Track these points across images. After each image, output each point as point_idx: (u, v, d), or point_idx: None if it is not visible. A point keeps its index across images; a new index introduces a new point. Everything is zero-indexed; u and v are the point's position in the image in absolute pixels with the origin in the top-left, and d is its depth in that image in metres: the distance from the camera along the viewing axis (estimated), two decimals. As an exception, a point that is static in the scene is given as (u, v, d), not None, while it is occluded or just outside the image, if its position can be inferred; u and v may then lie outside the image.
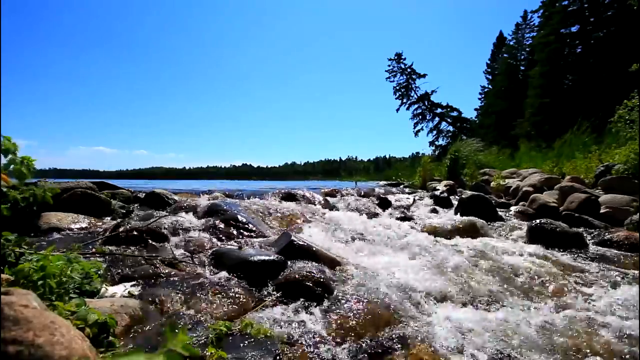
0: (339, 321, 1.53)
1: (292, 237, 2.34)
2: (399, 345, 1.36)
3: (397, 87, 29.57)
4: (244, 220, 3.09)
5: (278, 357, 1.20)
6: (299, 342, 1.33)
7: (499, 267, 2.40)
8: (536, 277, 2.29)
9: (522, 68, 24.33)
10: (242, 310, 1.58)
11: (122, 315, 1.24)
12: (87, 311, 1.06)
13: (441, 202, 5.51)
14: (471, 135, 21.11)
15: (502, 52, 26.93)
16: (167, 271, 1.90)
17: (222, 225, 2.96)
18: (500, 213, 4.59)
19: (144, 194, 4.14)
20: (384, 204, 5.19)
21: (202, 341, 1.22)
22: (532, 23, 24.40)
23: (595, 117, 10.30)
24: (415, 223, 4.02)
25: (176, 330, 0.60)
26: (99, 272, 1.57)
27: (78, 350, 0.75)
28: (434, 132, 29.11)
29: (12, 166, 1.24)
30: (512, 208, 5.06)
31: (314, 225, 3.37)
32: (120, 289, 1.60)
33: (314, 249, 2.30)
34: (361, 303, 1.68)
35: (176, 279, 1.83)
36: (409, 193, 6.70)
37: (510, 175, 8.48)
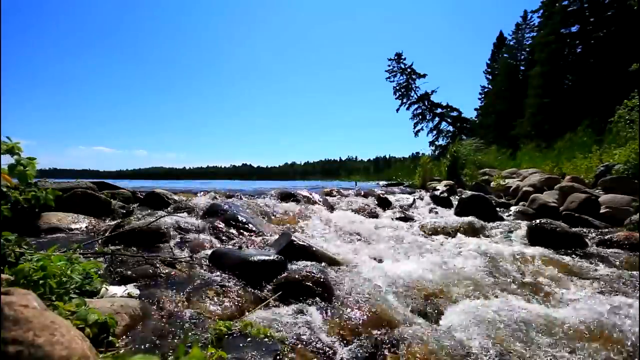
0: (339, 321, 1.53)
1: (292, 237, 2.34)
2: (399, 345, 1.36)
3: (397, 87, 29.58)
4: (244, 220, 3.09)
5: (278, 357, 1.20)
6: (299, 342, 1.33)
7: (499, 268, 2.40)
8: (536, 277, 2.28)
9: (522, 68, 24.32)
10: (242, 310, 1.58)
11: (122, 315, 1.24)
12: (87, 311, 1.06)
13: (441, 202, 5.51)
14: (471, 135, 21.10)
15: (502, 52, 26.91)
16: (167, 271, 1.90)
17: (222, 225, 2.96)
18: (500, 213, 4.59)
19: (144, 194, 4.14)
20: (384, 204, 5.19)
21: (202, 341, 1.22)
22: (532, 23, 24.42)
23: (595, 117, 10.30)
24: (415, 223, 4.02)
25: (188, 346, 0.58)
26: (99, 272, 1.57)
27: (78, 350, 0.75)
28: (434, 132, 29.13)
29: (15, 167, 1.25)
30: (512, 208, 5.06)
31: (314, 225, 3.37)
32: (120, 289, 1.59)
33: (314, 249, 2.30)
34: (361, 303, 1.68)
35: (176, 279, 1.83)
36: (409, 193, 6.70)
37: (510, 175, 8.49)
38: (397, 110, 29.88)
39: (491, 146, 13.82)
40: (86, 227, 2.92)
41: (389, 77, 29.61)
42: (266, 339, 1.28)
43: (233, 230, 2.93)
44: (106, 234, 2.48)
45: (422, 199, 5.82)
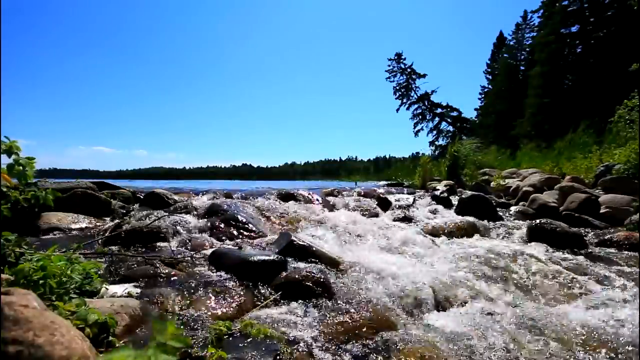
0: (338, 321, 1.53)
1: (292, 237, 2.34)
2: (399, 345, 1.36)
3: (397, 87, 29.59)
4: (244, 220, 3.09)
5: (278, 357, 1.20)
6: (299, 342, 1.33)
7: (499, 268, 2.40)
8: (536, 277, 2.29)
9: (522, 68, 24.32)
10: (242, 310, 1.58)
11: (122, 315, 1.24)
12: (87, 311, 1.06)
13: (441, 202, 5.50)
14: (471, 135, 21.10)
15: (502, 52, 26.91)
16: (167, 271, 1.90)
17: (222, 225, 2.96)
18: (500, 213, 4.59)
19: (144, 194, 4.14)
20: (384, 204, 5.19)
21: (202, 341, 1.22)
22: (532, 23, 24.41)
23: (595, 117, 10.31)
24: (415, 223, 4.02)
25: (164, 322, 0.59)
26: (99, 272, 1.57)
27: (78, 350, 0.75)
28: (434, 132, 29.14)
29: (13, 167, 1.25)
30: (512, 208, 5.05)
31: (314, 225, 3.38)
32: (120, 289, 1.59)
33: (314, 249, 2.30)
34: (361, 303, 1.68)
35: (176, 279, 1.83)
36: (409, 193, 6.70)
37: (510, 175, 8.49)
38: (397, 110, 29.93)
39: (491, 146, 13.82)
40: (86, 227, 2.92)
41: (389, 77, 29.65)
42: (266, 339, 1.28)
43: (233, 230, 2.93)
44: (106, 234, 2.48)
45: (422, 199, 5.81)
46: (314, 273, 1.86)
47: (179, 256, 2.16)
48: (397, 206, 5.26)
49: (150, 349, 0.54)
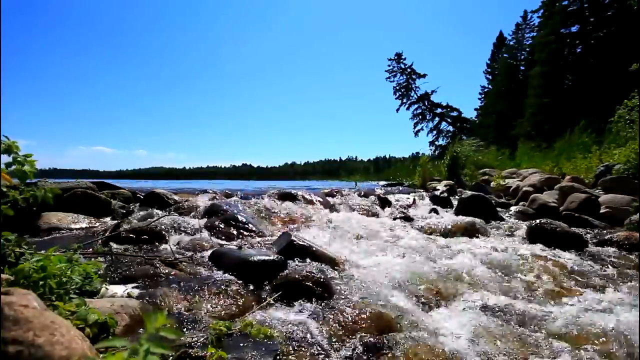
0: (339, 321, 1.53)
1: (292, 237, 2.34)
2: (399, 345, 1.36)
3: (397, 87, 29.61)
4: (244, 220, 3.09)
5: (278, 357, 1.20)
6: (299, 342, 1.33)
7: (499, 267, 2.40)
8: (536, 277, 2.28)
9: (522, 68, 24.33)
10: (242, 310, 1.58)
11: (122, 315, 1.24)
12: (87, 311, 1.06)
13: (441, 202, 5.51)
14: (471, 135, 21.10)
15: (502, 52, 26.93)
16: (167, 271, 1.90)
17: (222, 225, 2.96)
18: (500, 213, 4.59)
19: (144, 194, 4.14)
20: (384, 204, 5.19)
21: (202, 341, 1.22)
22: (532, 23, 24.43)
23: (595, 117, 10.31)
24: (415, 223, 4.02)
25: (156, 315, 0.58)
26: (99, 272, 1.57)
27: (78, 350, 0.75)
28: (434, 132, 29.17)
29: (13, 166, 1.25)
30: (512, 208, 5.05)
31: (314, 225, 3.38)
32: (120, 289, 1.60)
33: (314, 248, 2.30)
34: (361, 303, 1.68)
35: (176, 279, 1.83)
36: (408, 193, 6.70)
37: (510, 175, 8.48)
38: (397, 110, 29.96)
39: (491, 146, 13.82)
40: (86, 227, 2.92)
41: (389, 77, 29.68)
42: (266, 339, 1.28)
43: (233, 230, 2.94)
44: (106, 234, 2.48)
45: (422, 199, 5.82)
46: (314, 273, 1.86)
47: (179, 256, 2.16)
48: (397, 206, 5.26)
49: (145, 343, 0.54)
